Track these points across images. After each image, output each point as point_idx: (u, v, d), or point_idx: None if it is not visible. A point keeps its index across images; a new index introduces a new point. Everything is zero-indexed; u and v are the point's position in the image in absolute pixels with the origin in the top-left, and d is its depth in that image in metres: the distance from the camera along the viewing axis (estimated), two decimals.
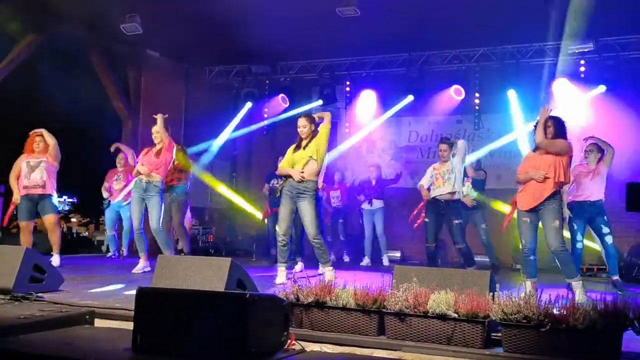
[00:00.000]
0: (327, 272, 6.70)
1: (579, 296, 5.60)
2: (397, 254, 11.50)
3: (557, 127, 5.93)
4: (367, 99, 12.30)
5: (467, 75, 11.42)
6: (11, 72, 10.30)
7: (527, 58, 10.92)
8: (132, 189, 7.84)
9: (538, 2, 8.90)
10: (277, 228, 6.91)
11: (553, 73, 10.69)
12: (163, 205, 7.81)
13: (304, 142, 6.90)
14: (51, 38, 10.18)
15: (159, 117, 7.84)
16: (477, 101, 11.35)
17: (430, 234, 7.77)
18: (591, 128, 9.65)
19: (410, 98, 11.83)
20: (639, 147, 9.97)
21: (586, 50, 10.33)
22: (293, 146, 7.02)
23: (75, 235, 17.48)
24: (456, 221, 7.73)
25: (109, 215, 10.27)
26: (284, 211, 6.86)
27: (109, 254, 10.29)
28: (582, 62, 10.55)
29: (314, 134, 6.89)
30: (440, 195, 7.75)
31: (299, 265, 8.39)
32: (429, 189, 7.94)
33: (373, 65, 12.04)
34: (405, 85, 11.74)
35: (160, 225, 7.62)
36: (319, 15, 9.42)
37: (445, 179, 7.74)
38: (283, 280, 6.68)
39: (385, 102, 12.20)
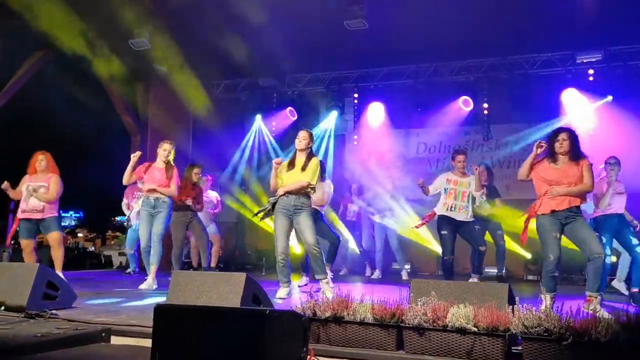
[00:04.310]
0: (323, 284, 6.67)
1: (595, 310, 5.50)
2: (407, 266, 11.44)
3: (572, 141, 5.85)
4: (376, 110, 12.32)
5: (476, 86, 11.43)
6: (20, 89, 10.34)
7: (536, 68, 10.93)
8: (141, 208, 7.80)
9: (546, 13, 8.92)
10: (276, 247, 6.82)
11: (562, 83, 10.71)
12: (170, 221, 7.89)
13: (298, 160, 6.84)
14: (59, 54, 10.21)
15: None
16: (485, 112, 11.36)
17: (448, 247, 7.72)
18: (599, 137, 9.64)
19: (418, 109, 11.90)
20: None
21: (594, 60, 10.34)
22: (287, 162, 6.94)
23: (82, 250, 17.49)
24: (477, 226, 7.84)
25: (131, 235, 10.13)
26: (280, 229, 6.75)
27: (128, 271, 10.26)
28: (591, 71, 10.54)
29: (309, 155, 6.85)
30: (459, 218, 7.76)
31: (303, 280, 8.33)
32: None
33: (381, 77, 12.06)
34: (413, 96, 11.75)
35: (160, 240, 7.67)
36: (326, 28, 9.44)
37: (463, 205, 7.73)
38: (283, 295, 6.66)
39: (393, 113, 12.22)
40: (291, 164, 6.85)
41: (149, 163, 7.90)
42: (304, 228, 6.70)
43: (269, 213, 6.87)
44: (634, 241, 7.26)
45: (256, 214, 7.04)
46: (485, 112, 11.33)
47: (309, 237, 6.67)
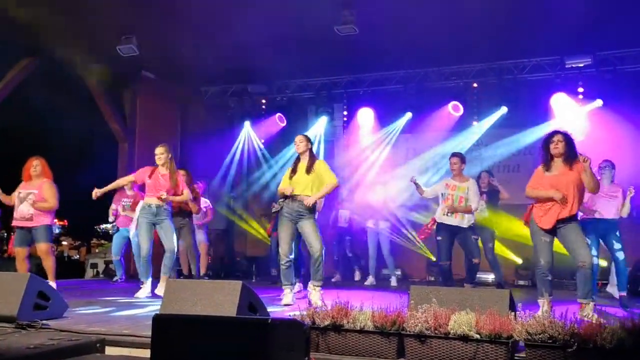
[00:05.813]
0: (316, 290, 6.63)
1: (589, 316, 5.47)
2: (398, 272, 11.39)
3: (567, 144, 5.82)
4: (365, 116, 12.26)
5: (465, 92, 11.43)
6: (7, 96, 10.21)
7: (525, 73, 10.95)
8: (140, 215, 7.62)
9: (535, 18, 8.92)
10: (279, 250, 6.82)
11: (551, 88, 10.73)
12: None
13: (301, 164, 6.86)
14: (46, 61, 10.10)
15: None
16: (475, 117, 11.35)
17: (444, 253, 7.67)
18: (590, 142, 9.64)
19: (408, 115, 11.87)
20: (637, 160, 9.93)
21: (584, 64, 10.36)
22: (289, 170, 6.98)
23: (66, 259, 17.25)
24: (474, 237, 7.72)
25: (116, 241, 9.99)
26: (285, 233, 6.81)
27: (115, 278, 10.11)
28: (580, 76, 10.58)
29: (311, 157, 6.88)
30: (454, 224, 7.69)
31: (297, 286, 8.25)
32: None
33: (370, 83, 12.02)
34: (403, 102, 11.73)
35: (173, 256, 7.53)
36: (315, 34, 9.37)
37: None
38: (289, 301, 6.63)
39: (383, 119, 12.19)
40: (294, 171, 6.89)
41: (153, 167, 7.67)
42: (309, 234, 6.73)
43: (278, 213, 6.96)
44: (616, 246, 7.24)
45: (273, 213, 7.27)
46: (475, 117, 11.35)
47: (315, 243, 6.68)
